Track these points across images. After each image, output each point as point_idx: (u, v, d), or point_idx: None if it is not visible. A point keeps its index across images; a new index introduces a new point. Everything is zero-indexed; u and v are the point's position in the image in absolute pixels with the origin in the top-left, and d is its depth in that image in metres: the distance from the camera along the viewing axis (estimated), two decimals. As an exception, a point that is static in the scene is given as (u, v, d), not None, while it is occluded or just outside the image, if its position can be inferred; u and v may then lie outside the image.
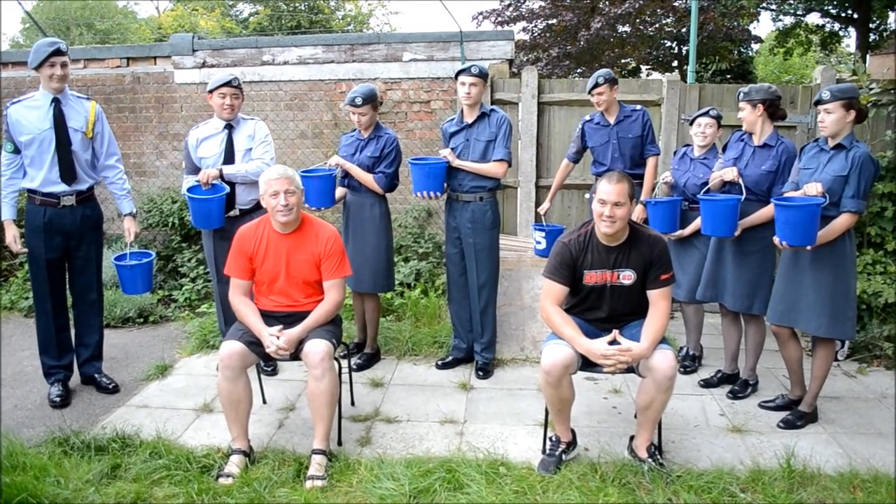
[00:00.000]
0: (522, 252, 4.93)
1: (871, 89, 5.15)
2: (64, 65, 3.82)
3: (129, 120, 6.72)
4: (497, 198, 4.46)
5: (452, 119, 4.42)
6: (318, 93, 6.44)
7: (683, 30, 13.90)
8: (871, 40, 16.09)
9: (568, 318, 3.18)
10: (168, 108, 6.70)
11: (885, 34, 16.87)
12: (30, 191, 3.94)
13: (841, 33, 17.61)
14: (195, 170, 4.17)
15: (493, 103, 6.03)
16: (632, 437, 3.31)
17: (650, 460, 3.14)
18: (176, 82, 6.62)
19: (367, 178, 4.37)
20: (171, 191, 6.58)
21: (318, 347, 3.16)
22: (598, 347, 3.02)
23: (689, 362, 4.57)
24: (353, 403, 3.97)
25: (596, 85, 4.56)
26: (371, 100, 4.34)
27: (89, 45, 19.56)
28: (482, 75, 4.20)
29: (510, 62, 6.29)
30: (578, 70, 14.62)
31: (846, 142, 3.45)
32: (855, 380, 4.42)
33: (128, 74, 6.70)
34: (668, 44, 16.24)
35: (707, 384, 4.26)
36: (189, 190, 4.06)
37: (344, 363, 3.69)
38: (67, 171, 3.90)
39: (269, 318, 3.36)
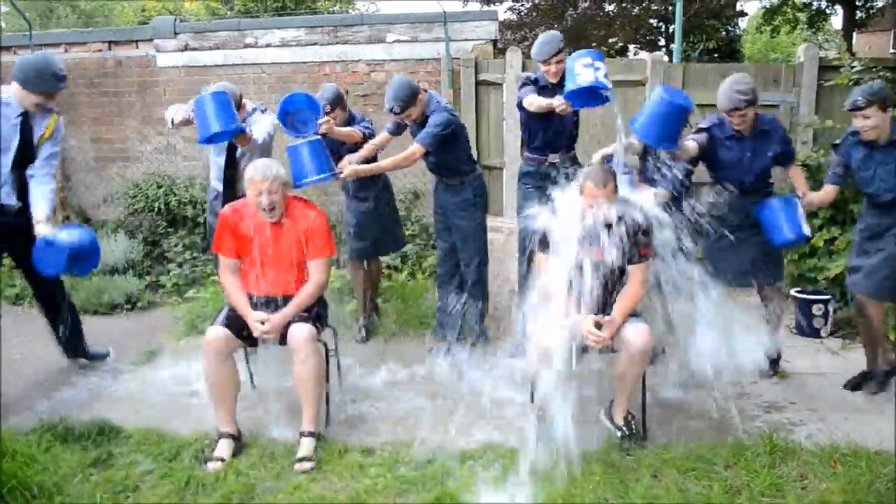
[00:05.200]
0: (508, 233, 4.94)
1: (852, 67, 5.17)
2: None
3: (112, 105, 6.65)
4: (483, 179, 4.46)
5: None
6: (302, 75, 6.38)
7: (670, 8, 13.82)
8: (857, 18, 16.06)
9: (559, 291, 3.23)
10: (151, 93, 6.62)
11: (871, 12, 16.84)
12: None
13: (828, 11, 17.55)
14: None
15: (477, 84, 6.07)
16: (611, 403, 3.38)
17: (624, 428, 3.24)
18: (158, 66, 6.55)
19: (347, 131, 4.35)
20: (156, 175, 6.55)
21: (300, 331, 3.18)
22: (583, 326, 3.11)
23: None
24: (340, 385, 3.99)
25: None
26: (339, 101, 4.40)
27: (71, 28, 19.28)
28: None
29: (494, 42, 6.25)
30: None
31: None
32: (838, 356, 4.47)
33: (110, 58, 6.61)
34: (655, 23, 16.18)
35: None
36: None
37: (331, 345, 3.71)
38: (23, 185, 3.76)
39: (256, 299, 3.37)
